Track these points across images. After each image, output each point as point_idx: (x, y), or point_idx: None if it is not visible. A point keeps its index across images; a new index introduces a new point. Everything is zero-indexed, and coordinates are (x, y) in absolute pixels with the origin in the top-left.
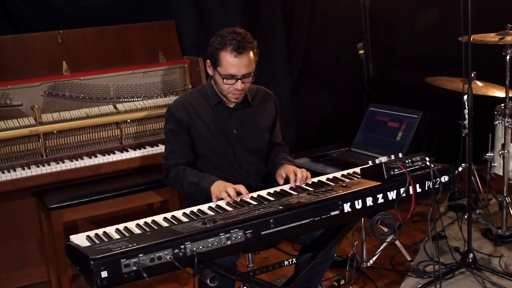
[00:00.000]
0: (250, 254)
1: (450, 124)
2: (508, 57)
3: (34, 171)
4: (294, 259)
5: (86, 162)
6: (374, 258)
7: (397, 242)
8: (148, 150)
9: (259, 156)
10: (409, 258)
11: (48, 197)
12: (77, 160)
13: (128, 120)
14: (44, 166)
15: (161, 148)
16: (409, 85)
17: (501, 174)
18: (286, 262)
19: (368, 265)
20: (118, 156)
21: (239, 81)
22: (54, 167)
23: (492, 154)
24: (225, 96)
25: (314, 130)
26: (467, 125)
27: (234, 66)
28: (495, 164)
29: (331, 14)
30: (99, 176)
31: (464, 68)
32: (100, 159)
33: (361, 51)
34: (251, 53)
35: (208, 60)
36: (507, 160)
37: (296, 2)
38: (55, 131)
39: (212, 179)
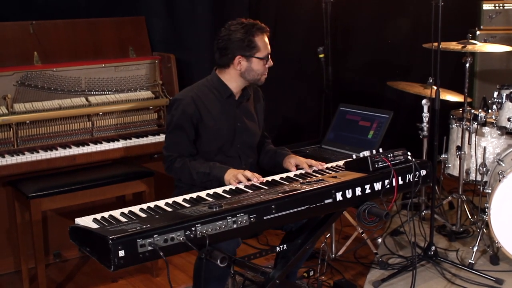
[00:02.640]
0: None
1: (400, 127)
2: (467, 65)
3: (10, 160)
4: (285, 246)
5: (61, 152)
6: (343, 249)
7: (364, 235)
8: (122, 143)
9: (254, 148)
10: (375, 251)
11: (25, 186)
12: (51, 150)
13: (100, 113)
14: (18, 155)
15: (134, 142)
16: (365, 89)
17: (455, 174)
18: (278, 248)
19: (335, 257)
20: (92, 148)
21: (269, 58)
22: (29, 157)
23: (446, 156)
24: (257, 81)
25: (276, 129)
26: (425, 128)
27: (267, 45)
28: (449, 165)
29: (294, 18)
30: (74, 167)
31: (433, 74)
32: (75, 150)
33: (321, 55)
34: None
35: (238, 56)
36: (463, 161)
37: (261, 5)
38: (27, 121)
39: (223, 168)
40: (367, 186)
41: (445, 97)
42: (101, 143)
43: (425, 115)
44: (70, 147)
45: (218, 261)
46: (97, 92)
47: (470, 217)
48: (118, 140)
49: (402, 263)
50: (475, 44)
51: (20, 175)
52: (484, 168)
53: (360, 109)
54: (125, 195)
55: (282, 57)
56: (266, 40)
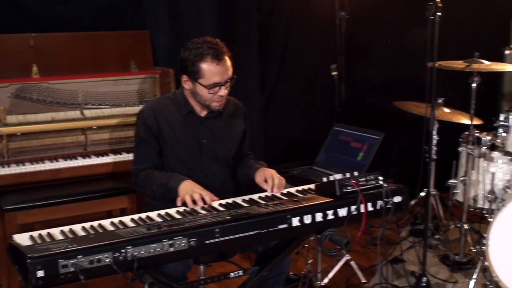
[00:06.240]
0: (201, 266)
1: (419, 149)
2: (474, 85)
3: None
4: (241, 271)
5: (47, 166)
6: (330, 276)
7: (352, 263)
8: (112, 158)
9: (226, 167)
10: (363, 280)
11: (4, 198)
12: (38, 163)
13: (94, 127)
14: (3, 167)
15: (124, 157)
16: (381, 109)
17: (462, 200)
18: (232, 274)
19: (323, 284)
20: (79, 162)
21: (223, 87)
22: (14, 169)
23: (454, 181)
24: (207, 106)
25: (283, 147)
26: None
27: (218, 74)
28: (457, 191)
29: (307, 34)
30: (59, 180)
31: (427, 94)
32: (61, 164)
33: (334, 73)
34: (228, 58)
35: (184, 75)
36: (468, 187)
37: (272, 19)
38: (18, 133)
39: (180, 178)
40: (330, 212)
41: (458, 120)
42: (89, 157)
43: (434, 137)
44: (58, 161)
45: (146, 286)
46: (93, 106)
47: (472, 247)
48: (108, 155)
49: None
50: (481, 63)
51: (4, 187)
52: (493, 195)
53: (353, 130)
54: (112, 210)
55: (294, 75)
56: (219, 67)
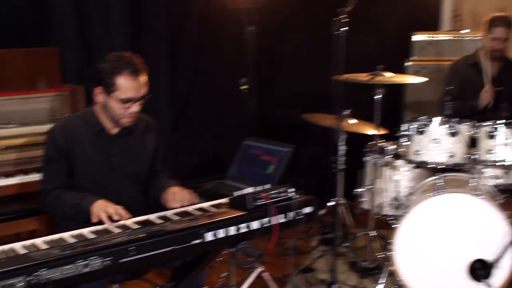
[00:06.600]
0: (115, 285)
1: (327, 160)
2: (378, 96)
3: None
4: None
5: None
6: None
7: (265, 275)
8: (20, 178)
9: (139, 185)
10: None
11: None
12: None
13: (1, 147)
14: None
15: (33, 177)
16: (290, 122)
17: (369, 208)
18: None
19: None
20: None
21: (136, 103)
22: None
23: (361, 190)
24: (117, 121)
25: (195, 162)
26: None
27: (133, 89)
28: (363, 199)
29: (217, 49)
30: None
31: (334, 105)
32: None
33: (244, 87)
34: (144, 75)
35: (98, 87)
36: (374, 195)
37: (182, 34)
38: None
39: (93, 199)
40: (243, 225)
41: (363, 131)
42: None
43: (341, 148)
44: None
45: None
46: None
47: (381, 253)
48: (16, 176)
49: None
50: (383, 76)
51: None
52: (397, 202)
53: (264, 143)
54: (21, 233)
55: (204, 89)
56: (136, 83)
